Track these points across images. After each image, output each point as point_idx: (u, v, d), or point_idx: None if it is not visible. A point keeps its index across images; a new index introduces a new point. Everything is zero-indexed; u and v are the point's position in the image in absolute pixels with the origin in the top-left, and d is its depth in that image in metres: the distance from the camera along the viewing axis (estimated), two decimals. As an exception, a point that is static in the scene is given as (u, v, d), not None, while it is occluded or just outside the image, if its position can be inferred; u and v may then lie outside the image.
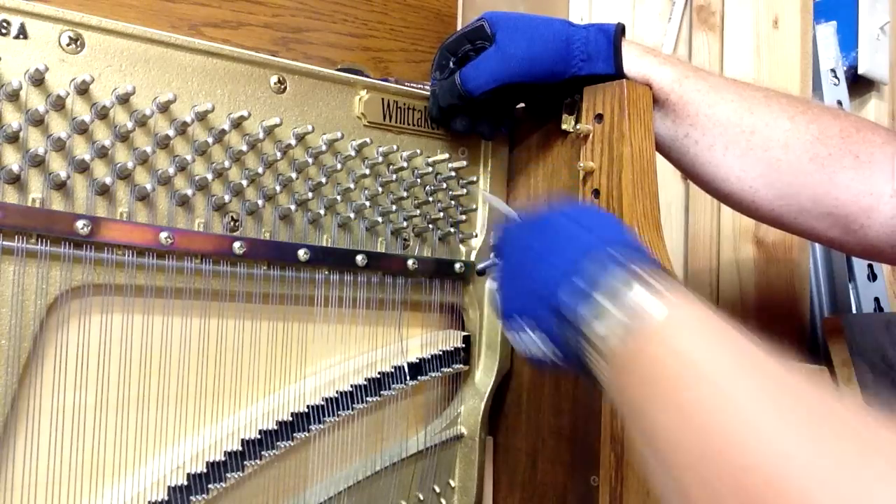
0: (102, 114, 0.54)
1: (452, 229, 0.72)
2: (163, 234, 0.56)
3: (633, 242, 0.47)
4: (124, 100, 0.54)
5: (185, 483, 0.58)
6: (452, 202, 0.72)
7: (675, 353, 0.38)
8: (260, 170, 0.61)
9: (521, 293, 0.50)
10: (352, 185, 0.66)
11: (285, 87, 0.63)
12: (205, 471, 0.59)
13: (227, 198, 0.59)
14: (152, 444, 0.57)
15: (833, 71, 1.07)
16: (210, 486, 0.59)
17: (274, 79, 0.62)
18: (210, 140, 0.58)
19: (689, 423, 0.36)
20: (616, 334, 0.41)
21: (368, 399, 0.67)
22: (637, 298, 0.41)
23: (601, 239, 0.46)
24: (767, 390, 0.35)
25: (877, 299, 1.01)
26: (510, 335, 0.52)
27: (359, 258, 0.65)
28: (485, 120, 0.71)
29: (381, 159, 0.67)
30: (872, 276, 1.02)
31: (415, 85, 0.73)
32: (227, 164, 0.59)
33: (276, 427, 0.62)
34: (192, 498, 0.58)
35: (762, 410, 0.34)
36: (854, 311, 1.03)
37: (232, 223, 0.60)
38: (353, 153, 0.65)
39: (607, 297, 0.42)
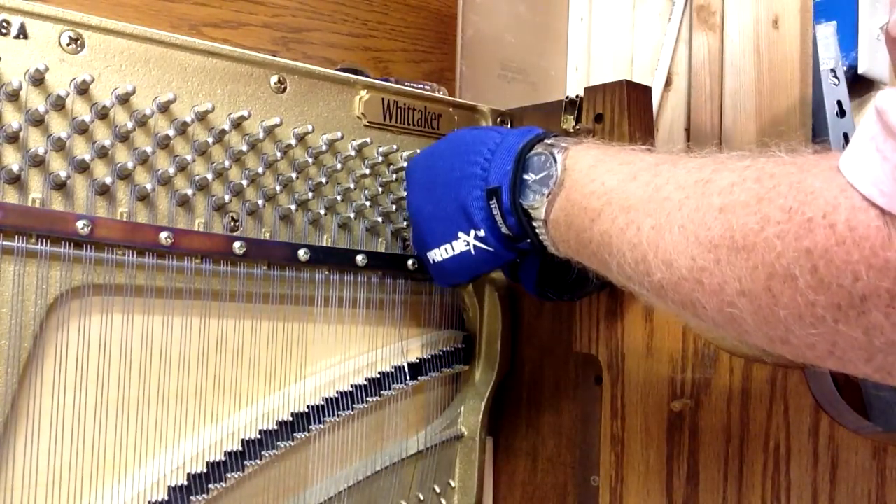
0: (102, 114, 0.54)
1: (452, 229, 0.72)
2: (163, 234, 0.56)
3: (531, 129, 0.56)
4: (124, 100, 0.54)
5: (186, 483, 0.58)
6: (452, 202, 0.72)
7: (585, 192, 0.48)
8: (260, 170, 0.61)
9: (446, 203, 0.57)
10: (352, 185, 0.66)
11: (285, 87, 0.63)
12: (205, 471, 0.58)
13: (227, 198, 0.59)
14: (152, 444, 0.57)
15: (833, 71, 1.07)
16: (210, 486, 0.59)
17: (274, 79, 0.62)
18: (210, 140, 0.58)
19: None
20: (545, 200, 0.50)
21: (368, 399, 0.67)
22: (550, 164, 0.51)
23: (500, 136, 0.56)
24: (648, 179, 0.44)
25: (877, 299, 1.01)
26: (437, 258, 0.59)
27: (359, 258, 0.65)
28: None
29: (381, 159, 0.67)
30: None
31: (415, 85, 0.73)
32: (227, 164, 0.59)
33: (276, 427, 0.62)
34: (192, 498, 0.58)
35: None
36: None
37: (232, 223, 0.60)
38: (353, 153, 0.65)
39: (533, 172, 0.52)
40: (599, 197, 0.46)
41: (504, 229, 0.54)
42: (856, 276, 0.32)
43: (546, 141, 0.53)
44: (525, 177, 0.52)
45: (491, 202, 0.54)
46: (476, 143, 0.57)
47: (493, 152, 0.55)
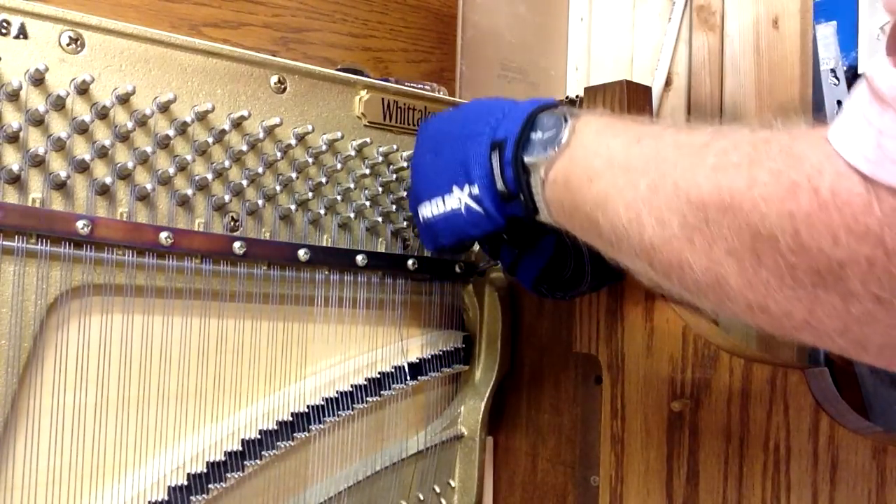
0: (102, 114, 0.54)
1: (452, 229, 0.72)
2: (163, 234, 0.56)
3: (547, 99, 0.56)
4: (124, 100, 0.54)
5: (186, 483, 0.58)
6: (452, 202, 0.72)
7: (589, 154, 0.48)
8: (260, 170, 0.61)
9: (449, 158, 0.57)
10: (352, 185, 0.66)
11: (285, 87, 0.63)
12: (205, 471, 0.59)
13: (227, 198, 0.59)
14: (152, 444, 0.57)
15: (833, 71, 1.07)
16: (210, 486, 0.59)
17: (274, 79, 0.62)
18: (210, 140, 0.58)
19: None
20: (548, 157, 0.50)
21: (368, 399, 0.67)
22: (558, 126, 0.51)
23: (514, 102, 0.56)
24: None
25: (877, 299, 1.01)
26: (427, 213, 0.59)
27: (359, 258, 0.65)
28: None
29: (381, 159, 0.67)
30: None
31: (415, 85, 0.73)
32: (227, 164, 0.59)
33: (276, 427, 0.62)
34: (192, 498, 0.58)
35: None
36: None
37: (232, 223, 0.60)
38: (353, 153, 0.65)
39: (540, 131, 0.52)
40: (602, 158, 0.47)
41: (500, 184, 0.53)
42: (836, 241, 0.33)
43: (560, 107, 0.54)
44: (533, 135, 0.52)
45: (493, 154, 0.54)
46: (491, 107, 0.57)
47: (506, 115, 0.55)
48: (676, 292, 0.43)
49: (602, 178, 0.46)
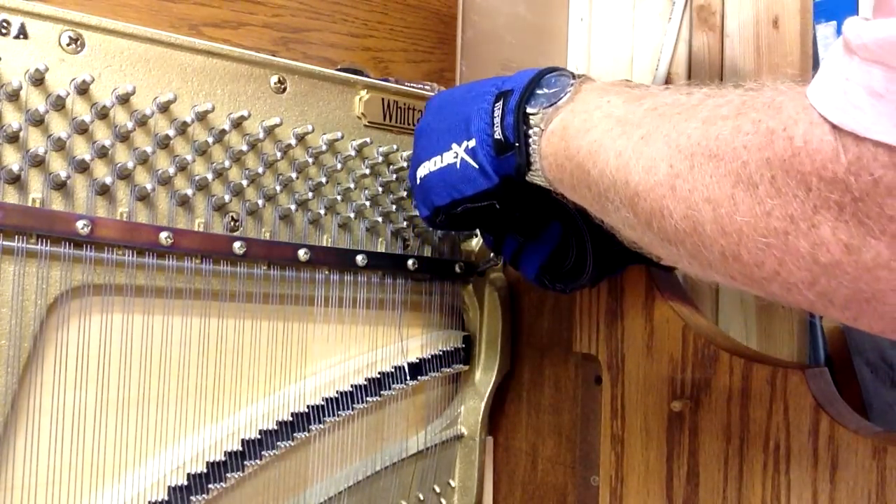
0: (102, 114, 0.54)
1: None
2: (163, 234, 0.56)
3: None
4: (124, 100, 0.54)
5: (186, 483, 0.58)
6: (452, 202, 0.72)
7: (586, 111, 0.49)
8: (260, 170, 0.61)
9: (452, 119, 0.58)
10: (352, 185, 0.66)
11: (285, 87, 0.63)
12: (205, 471, 0.59)
13: (227, 198, 0.59)
14: (152, 444, 0.57)
15: (833, 71, 1.07)
16: (210, 486, 0.59)
17: (274, 79, 0.62)
18: (210, 140, 0.58)
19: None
20: (550, 110, 0.51)
21: (368, 399, 0.67)
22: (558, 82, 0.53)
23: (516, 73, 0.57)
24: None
25: (877, 299, 1.01)
26: (424, 171, 0.59)
27: (359, 258, 0.65)
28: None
29: (381, 159, 0.67)
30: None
31: (415, 85, 0.73)
32: (227, 164, 0.59)
33: (276, 427, 0.62)
34: (192, 498, 0.58)
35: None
36: (854, 310, 1.02)
37: (232, 223, 0.60)
38: (353, 153, 0.65)
39: (543, 86, 0.53)
40: (602, 111, 0.48)
41: (498, 132, 0.54)
42: (808, 188, 0.34)
43: (567, 71, 0.55)
44: (538, 90, 0.53)
45: (497, 104, 0.54)
46: (498, 77, 0.58)
47: (513, 77, 0.56)
48: (657, 244, 0.44)
49: (598, 128, 0.47)
